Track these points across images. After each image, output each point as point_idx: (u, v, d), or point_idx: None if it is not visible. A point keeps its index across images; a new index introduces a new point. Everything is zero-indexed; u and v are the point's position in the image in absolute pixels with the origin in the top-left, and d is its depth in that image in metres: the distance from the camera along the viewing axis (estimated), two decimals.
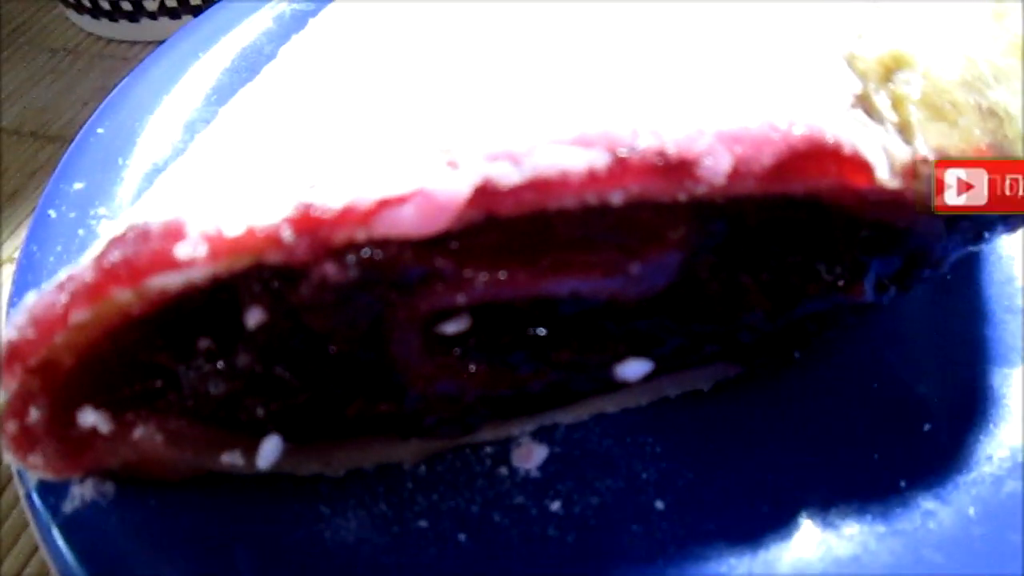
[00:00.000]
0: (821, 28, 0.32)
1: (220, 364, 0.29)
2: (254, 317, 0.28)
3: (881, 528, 0.32)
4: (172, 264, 0.26)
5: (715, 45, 0.30)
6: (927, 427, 0.35)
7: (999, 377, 0.37)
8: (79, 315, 0.26)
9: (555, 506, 0.33)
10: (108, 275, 0.26)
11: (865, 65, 0.32)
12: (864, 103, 0.31)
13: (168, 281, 0.26)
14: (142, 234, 0.26)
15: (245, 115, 0.30)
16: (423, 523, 0.32)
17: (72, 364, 0.28)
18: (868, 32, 0.32)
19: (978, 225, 0.33)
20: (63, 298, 0.26)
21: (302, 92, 0.30)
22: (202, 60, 0.50)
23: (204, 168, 0.28)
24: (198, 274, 0.26)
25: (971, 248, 0.34)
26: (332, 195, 0.26)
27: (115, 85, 0.48)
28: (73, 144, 0.44)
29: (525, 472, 0.34)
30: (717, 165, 0.27)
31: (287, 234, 0.25)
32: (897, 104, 0.31)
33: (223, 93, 0.47)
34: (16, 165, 0.58)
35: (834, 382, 0.37)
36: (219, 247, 0.25)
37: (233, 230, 0.25)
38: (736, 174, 0.27)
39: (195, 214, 0.26)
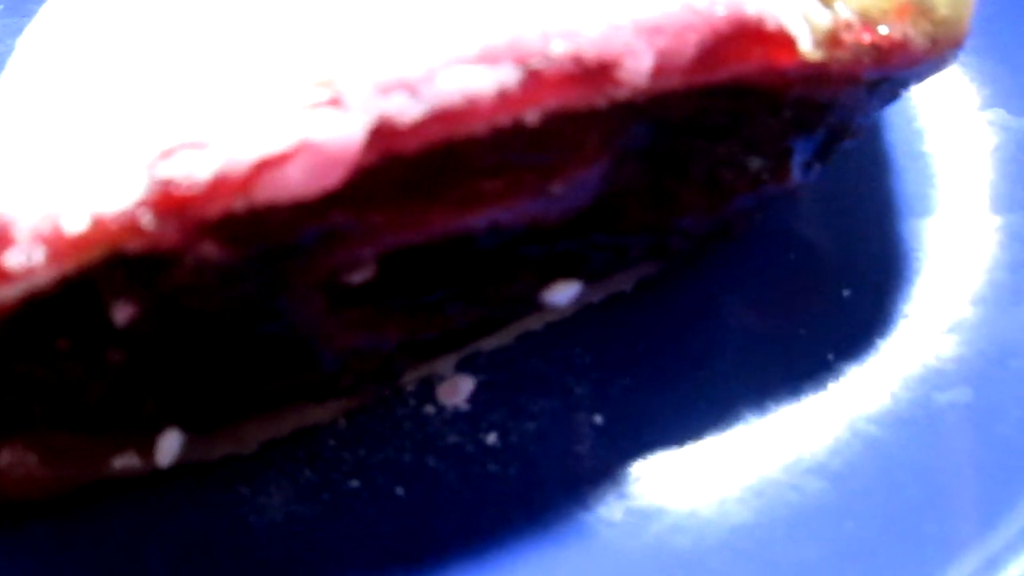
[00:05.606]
0: None
1: (90, 364, 0.25)
2: (122, 313, 0.23)
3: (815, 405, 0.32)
4: (1, 276, 0.20)
5: None
6: (847, 293, 0.35)
7: (908, 228, 0.36)
8: None
9: (491, 439, 0.31)
10: None
11: None
12: None
13: (1, 295, 0.21)
14: None
15: (52, 62, 0.24)
16: (354, 483, 0.30)
17: None
18: None
19: (895, 84, 0.31)
20: None
21: (123, 25, 0.24)
22: None
23: (17, 136, 0.22)
24: (39, 281, 0.21)
25: (885, 107, 0.33)
26: (197, 162, 0.21)
27: None
28: None
29: (453, 407, 0.32)
30: (639, 64, 0.24)
31: (147, 219, 0.21)
32: None
33: None
34: None
35: (751, 263, 0.35)
36: (60, 248, 0.20)
37: (75, 224, 0.20)
38: (660, 71, 0.24)
39: (22, 208, 0.20)
